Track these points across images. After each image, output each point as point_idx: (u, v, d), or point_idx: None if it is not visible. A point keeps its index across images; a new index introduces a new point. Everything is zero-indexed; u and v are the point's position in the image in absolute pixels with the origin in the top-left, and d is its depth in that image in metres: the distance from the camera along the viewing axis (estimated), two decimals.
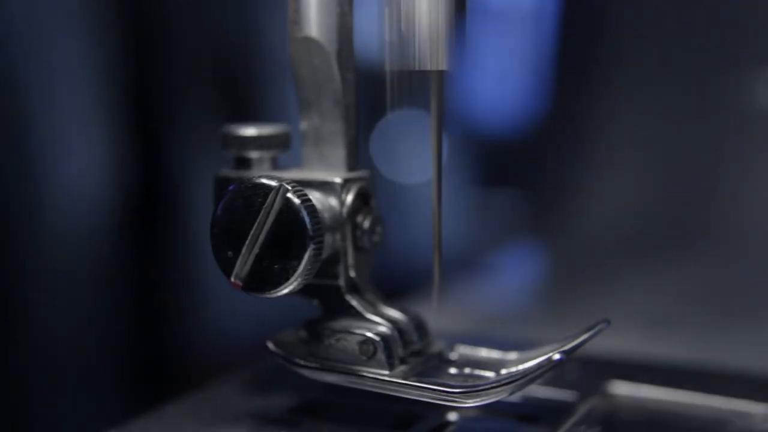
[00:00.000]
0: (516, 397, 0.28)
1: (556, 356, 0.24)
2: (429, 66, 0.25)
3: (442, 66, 0.25)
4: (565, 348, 0.24)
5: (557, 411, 0.27)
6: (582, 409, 0.27)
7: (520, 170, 0.73)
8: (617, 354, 0.33)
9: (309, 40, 0.26)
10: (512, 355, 0.26)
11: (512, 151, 0.76)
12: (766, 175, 0.55)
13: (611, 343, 0.35)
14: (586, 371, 0.30)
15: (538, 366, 0.24)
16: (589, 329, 0.25)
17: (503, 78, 0.79)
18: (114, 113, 0.69)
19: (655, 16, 0.60)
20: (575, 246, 0.59)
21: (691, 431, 0.26)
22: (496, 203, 0.75)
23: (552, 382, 0.29)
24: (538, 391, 0.29)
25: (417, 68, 0.25)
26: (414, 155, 0.75)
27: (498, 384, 0.24)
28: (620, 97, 0.62)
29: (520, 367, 0.25)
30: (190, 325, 0.72)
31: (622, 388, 0.29)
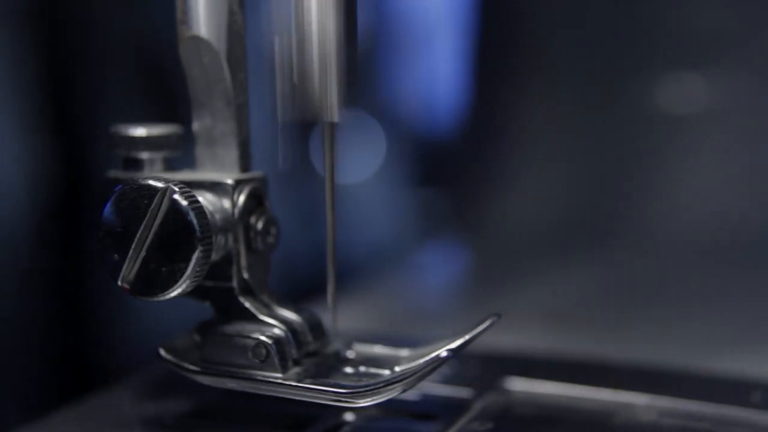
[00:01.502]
0: (413, 395, 0.29)
1: (444, 353, 0.24)
2: (321, 118, 0.25)
3: (334, 118, 0.25)
4: (454, 345, 0.24)
5: (453, 408, 0.28)
6: (477, 406, 0.28)
7: (442, 170, 0.74)
8: (518, 350, 0.33)
9: (198, 39, 0.26)
10: (406, 353, 0.27)
11: (435, 151, 0.77)
12: (672, 177, 0.57)
13: (515, 339, 0.36)
14: (484, 368, 0.31)
15: (427, 363, 0.24)
16: (479, 324, 0.26)
17: (428, 80, 0.80)
18: (34, 109, 0.67)
19: (572, 21, 0.61)
20: (492, 245, 0.59)
21: (579, 424, 0.27)
22: (418, 202, 0.76)
23: (449, 380, 0.30)
24: (436, 388, 0.29)
25: (309, 119, 0.25)
26: (353, 155, 0.76)
27: (387, 383, 0.24)
28: (538, 100, 0.63)
29: (412, 364, 0.25)
30: (113, 326, 0.70)
31: (518, 384, 0.30)
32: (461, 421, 0.27)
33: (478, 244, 0.61)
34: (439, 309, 0.50)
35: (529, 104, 0.63)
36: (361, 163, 0.76)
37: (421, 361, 0.25)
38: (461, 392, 0.28)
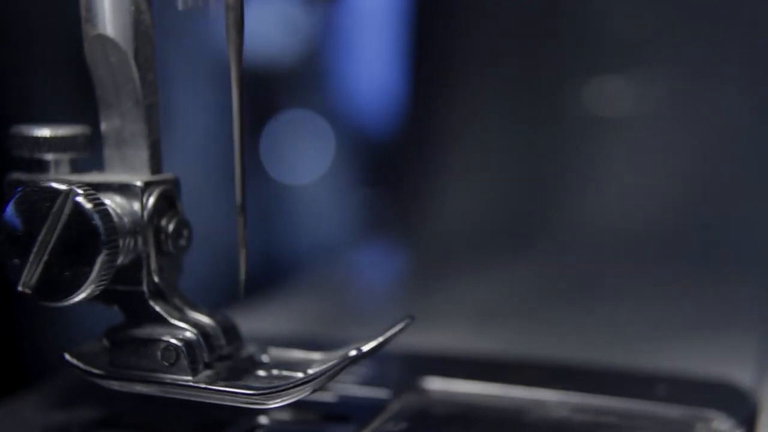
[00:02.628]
0: (329, 397, 0.29)
1: (353, 353, 0.24)
2: None
3: None
4: (365, 345, 0.24)
5: (369, 409, 0.28)
6: (394, 406, 0.28)
7: (379, 171, 0.74)
8: (439, 350, 0.34)
9: (103, 38, 0.26)
10: (320, 355, 0.27)
11: (372, 152, 0.77)
12: (603, 178, 0.58)
13: (441, 339, 0.36)
14: (404, 368, 0.31)
15: (336, 364, 0.24)
16: (394, 326, 0.26)
17: (367, 81, 0.80)
18: None
19: (504, 25, 0.62)
20: (425, 245, 0.60)
21: (493, 422, 0.27)
22: (356, 203, 0.76)
23: (368, 381, 0.30)
24: (353, 390, 0.29)
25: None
26: (303, 156, 0.75)
27: (297, 384, 0.24)
28: (471, 102, 0.64)
29: (325, 365, 0.25)
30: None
31: (436, 384, 0.30)
32: (376, 422, 0.27)
33: (412, 244, 0.61)
34: (368, 310, 0.50)
35: (463, 106, 0.64)
36: (309, 163, 0.76)
37: (333, 362, 0.25)
38: (379, 393, 0.29)
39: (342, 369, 0.24)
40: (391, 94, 0.73)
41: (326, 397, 0.28)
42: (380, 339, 0.25)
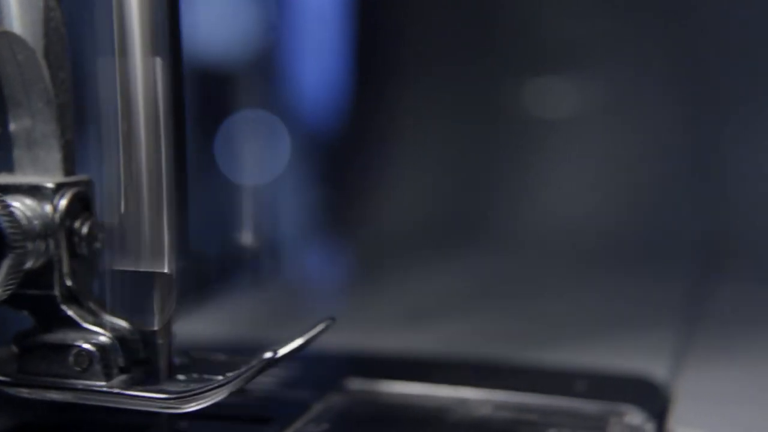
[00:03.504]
0: (252, 399, 0.28)
1: (269, 355, 0.24)
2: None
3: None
4: (283, 347, 0.24)
5: (291, 410, 0.28)
6: (316, 407, 0.28)
7: (325, 170, 0.74)
8: (366, 351, 0.34)
9: (10, 36, 0.25)
10: (242, 358, 0.26)
11: (318, 149, 0.77)
12: (539, 178, 0.59)
13: (374, 339, 0.36)
14: (330, 369, 0.31)
15: (254, 366, 0.24)
16: (314, 327, 0.26)
17: (314, 80, 0.80)
18: None
19: (453, 24, 0.62)
20: (368, 245, 0.60)
21: (416, 421, 0.27)
22: (299, 202, 0.76)
23: (292, 382, 0.30)
24: (277, 391, 0.29)
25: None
26: (258, 156, 0.75)
27: (213, 387, 0.24)
28: (418, 102, 0.64)
29: (241, 368, 0.25)
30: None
31: (361, 384, 0.30)
32: (297, 423, 0.26)
33: (355, 244, 0.61)
34: (306, 310, 0.50)
35: (408, 107, 0.64)
36: (264, 164, 0.75)
37: (249, 365, 0.24)
38: (302, 394, 0.28)
39: (259, 372, 0.24)
40: (336, 93, 0.72)
41: (248, 399, 0.28)
42: (299, 341, 0.25)
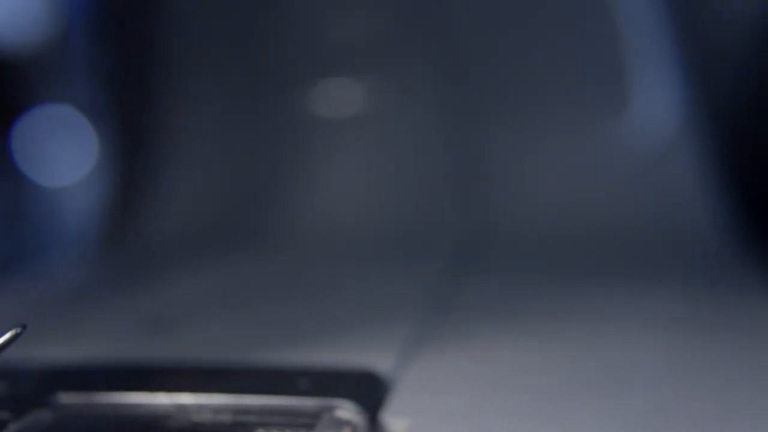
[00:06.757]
0: None
1: None
2: None
3: None
4: None
5: None
6: (12, 428, 0.25)
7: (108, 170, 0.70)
8: (84, 362, 0.31)
9: None
10: None
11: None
12: (318, 179, 0.59)
13: (99, 349, 0.33)
14: (37, 385, 0.28)
15: None
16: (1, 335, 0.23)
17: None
18: None
19: (234, 23, 0.61)
20: (136, 250, 0.57)
21: (134, 430, 0.25)
22: (55, 203, 0.71)
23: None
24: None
25: None
26: (62, 156, 0.68)
27: None
28: (197, 102, 0.62)
29: None
30: None
31: (72, 398, 0.27)
32: None
33: (125, 249, 0.58)
34: (68, 318, 0.46)
35: (183, 107, 0.62)
36: (70, 163, 0.70)
37: None
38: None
39: None
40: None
41: None
42: None
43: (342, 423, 0.24)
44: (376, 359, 0.29)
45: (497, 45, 0.58)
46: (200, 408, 0.26)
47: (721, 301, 0.41)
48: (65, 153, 0.71)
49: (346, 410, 0.24)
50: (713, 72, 0.58)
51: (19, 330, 0.23)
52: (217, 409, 0.26)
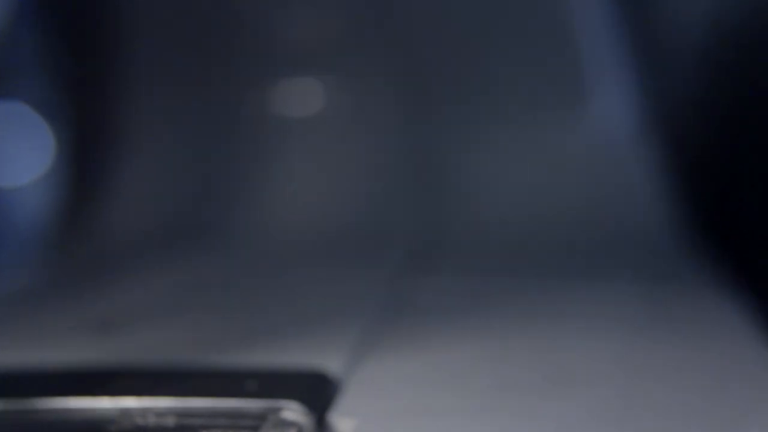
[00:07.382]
0: None
1: None
2: None
3: None
4: None
5: None
6: None
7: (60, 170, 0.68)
8: (30, 367, 0.30)
9: None
10: None
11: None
12: (274, 179, 0.58)
13: (42, 354, 0.33)
14: None
15: None
16: None
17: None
18: None
19: (188, 23, 0.60)
20: (91, 252, 0.56)
21: None
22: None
23: None
24: None
25: None
26: (15, 155, 0.67)
27: None
28: (152, 101, 0.61)
29: None
30: None
31: (10, 404, 0.27)
32: None
33: (78, 251, 0.57)
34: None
35: (141, 107, 0.61)
36: (23, 163, 0.68)
37: None
38: None
39: None
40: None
41: None
42: None
43: (287, 424, 0.24)
44: (327, 360, 0.29)
45: (457, 50, 0.59)
46: (144, 411, 0.26)
47: (674, 300, 0.42)
48: (18, 152, 0.70)
49: (293, 411, 0.24)
50: (667, 72, 0.59)
51: None
52: (161, 413, 0.26)
